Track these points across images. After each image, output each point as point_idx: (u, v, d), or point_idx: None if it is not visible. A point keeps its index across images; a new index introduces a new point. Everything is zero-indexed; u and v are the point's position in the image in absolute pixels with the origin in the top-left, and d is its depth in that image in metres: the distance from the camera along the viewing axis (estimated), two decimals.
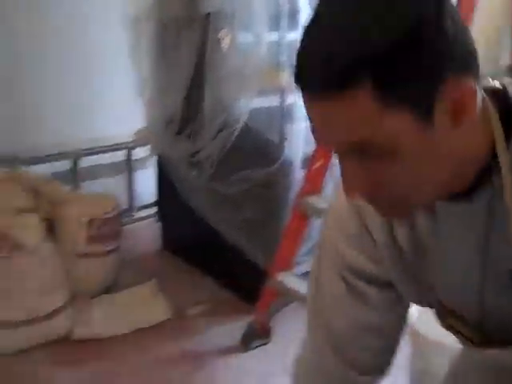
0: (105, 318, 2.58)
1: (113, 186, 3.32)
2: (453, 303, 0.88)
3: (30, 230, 2.48)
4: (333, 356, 1.02)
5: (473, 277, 0.82)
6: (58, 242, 2.65)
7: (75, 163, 3.27)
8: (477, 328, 0.86)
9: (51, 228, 2.69)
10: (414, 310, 2.41)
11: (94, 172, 3.39)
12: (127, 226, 3.20)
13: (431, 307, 0.93)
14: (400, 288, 0.92)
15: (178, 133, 2.84)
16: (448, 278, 0.85)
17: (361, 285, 0.94)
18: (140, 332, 2.56)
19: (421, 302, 0.95)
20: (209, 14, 2.62)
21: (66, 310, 2.53)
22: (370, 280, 0.94)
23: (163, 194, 3.18)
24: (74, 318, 2.54)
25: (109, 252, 2.76)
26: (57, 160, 3.23)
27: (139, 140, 3.07)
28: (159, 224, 3.24)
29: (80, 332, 2.51)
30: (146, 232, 3.36)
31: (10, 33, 3.01)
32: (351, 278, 0.95)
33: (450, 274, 0.85)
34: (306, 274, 2.52)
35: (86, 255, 2.69)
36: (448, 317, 0.89)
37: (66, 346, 2.48)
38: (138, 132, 3.04)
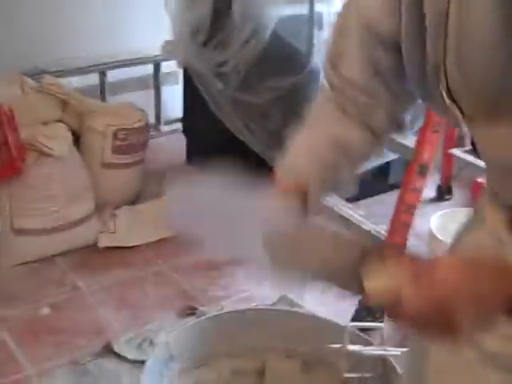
0: (129, 228, 2.61)
1: (140, 100, 3.30)
2: (464, 84, 0.77)
3: (57, 139, 2.49)
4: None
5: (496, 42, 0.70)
6: (84, 152, 2.67)
7: (103, 76, 3.25)
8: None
9: (78, 139, 2.71)
10: (433, 218, 2.38)
11: (122, 86, 3.37)
12: (153, 140, 3.20)
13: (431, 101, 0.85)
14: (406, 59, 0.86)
15: (205, 44, 2.79)
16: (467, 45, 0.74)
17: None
18: (163, 242, 2.59)
19: (423, 88, 0.85)
20: None
21: (92, 219, 2.56)
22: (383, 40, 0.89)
23: (189, 109, 3.15)
24: (100, 227, 2.58)
25: (134, 163, 2.77)
26: (84, 73, 3.22)
27: (166, 52, 3.02)
28: (185, 138, 3.22)
29: (105, 240, 2.55)
30: (171, 146, 3.35)
31: None
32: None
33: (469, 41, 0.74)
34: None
35: (111, 165, 2.70)
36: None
37: (92, 254, 2.53)
38: (165, 44, 2.99)
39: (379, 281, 0.70)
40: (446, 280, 0.69)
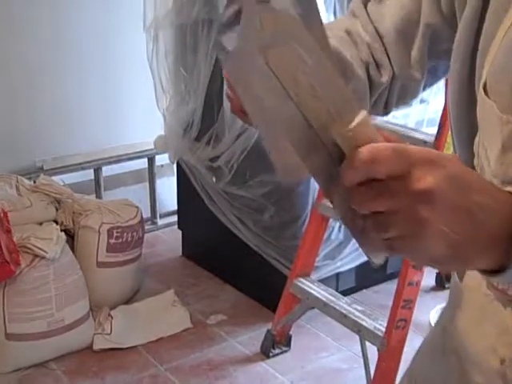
0: (125, 329, 2.56)
1: (136, 193, 3.32)
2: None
3: (51, 240, 2.48)
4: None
5: None
6: (79, 252, 2.66)
7: (97, 172, 3.28)
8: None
9: (72, 238, 2.70)
10: (433, 313, 2.35)
11: (117, 180, 3.39)
12: (149, 234, 3.19)
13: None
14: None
15: (197, 138, 2.82)
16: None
17: None
18: (160, 342, 2.54)
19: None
20: None
21: (87, 321, 2.52)
22: None
23: (184, 202, 3.16)
24: (95, 329, 2.53)
25: (130, 260, 2.74)
26: (79, 170, 3.25)
27: (159, 147, 3.05)
28: (180, 231, 3.22)
29: (100, 343, 2.50)
30: (167, 240, 3.34)
31: (33, 44, 3.04)
32: None
33: None
34: (324, 280, 2.48)
35: (106, 264, 2.67)
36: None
37: (87, 357, 2.47)
38: (158, 139, 3.03)
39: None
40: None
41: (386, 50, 0.92)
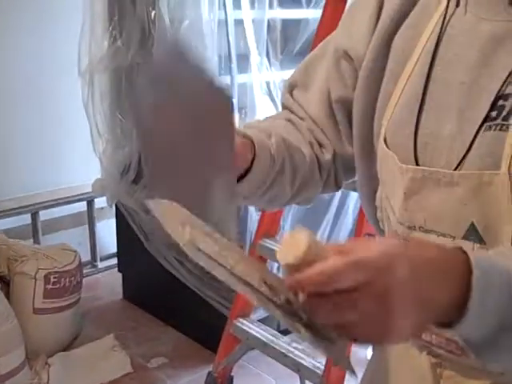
0: (63, 377, 2.50)
1: (75, 237, 3.28)
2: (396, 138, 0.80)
3: None
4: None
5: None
6: (14, 299, 2.60)
7: (35, 216, 3.23)
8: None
9: (8, 285, 2.64)
10: None
11: (56, 224, 3.35)
12: (90, 277, 3.15)
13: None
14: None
15: (135, 181, 2.81)
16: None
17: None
18: None
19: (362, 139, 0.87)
20: None
21: (23, 371, 2.45)
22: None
23: (123, 244, 3.14)
24: (31, 378, 2.47)
25: (68, 306, 2.70)
26: (15, 215, 3.19)
27: (96, 190, 3.03)
28: (120, 274, 3.18)
29: None
30: (108, 283, 3.30)
31: None
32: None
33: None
34: (264, 320, 2.48)
35: (43, 311, 2.62)
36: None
37: None
38: (95, 183, 3.01)
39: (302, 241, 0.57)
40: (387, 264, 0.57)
41: (322, 130, 0.97)
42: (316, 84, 0.96)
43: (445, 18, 0.80)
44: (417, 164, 0.77)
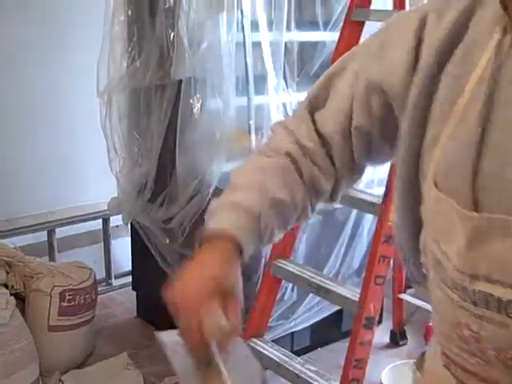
0: None
1: (90, 254, 3.30)
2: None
3: (0, 305, 2.45)
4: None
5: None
6: (29, 316, 2.62)
7: (50, 234, 3.25)
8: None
9: (23, 302, 2.66)
10: (384, 372, 2.35)
11: (71, 242, 3.37)
12: (104, 295, 3.17)
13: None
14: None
15: (151, 200, 2.84)
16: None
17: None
18: None
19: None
20: (180, 80, 2.65)
21: None
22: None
23: (138, 262, 3.15)
24: None
25: (82, 323, 2.71)
26: (32, 232, 3.22)
27: (113, 209, 3.06)
28: (135, 292, 3.20)
29: None
30: (122, 301, 3.31)
31: None
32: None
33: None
34: (277, 340, 2.48)
35: (57, 328, 2.63)
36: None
37: None
38: (112, 201, 3.03)
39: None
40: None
41: (328, 153, 0.96)
42: (335, 102, 0.94)
43: (499, 54, 0.74)
44: (476, 208, 0.73)
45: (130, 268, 3.30)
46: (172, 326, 3.20)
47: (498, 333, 0.73)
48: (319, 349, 2.83)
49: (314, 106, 0.98)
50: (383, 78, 0.87)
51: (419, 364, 0.94)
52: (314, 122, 0.97)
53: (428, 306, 2.28)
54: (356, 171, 0.99)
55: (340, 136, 0.94)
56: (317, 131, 0.96)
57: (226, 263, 0.87)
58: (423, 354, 0.95)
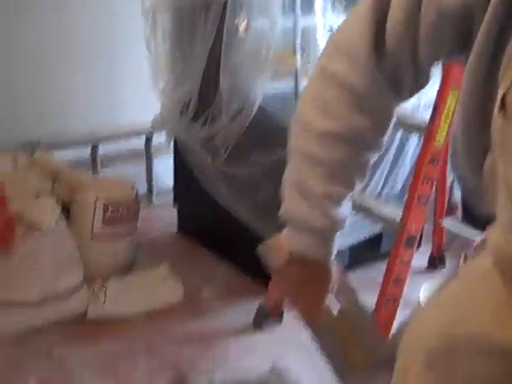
0: (118, 299, 2.60)
1: (132, 171, 3.36)
2: None
3: (46, 212, 2.53)
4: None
5: None
6: (74, 224, 2.70)
7: (94, 150, 3.31)
8: None
9: (68, 212, 2.74)
10: (423, 287, 2.36)
11: (114, 158, 3.43)
12: (145, 211, 3.23)
13: None
14: None
15: (194, 118, 2.86)
16: None
17: None
18: (153, 313, 2.59)
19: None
20: (226, 0, 2.64)
21: (81, 291, 2.56)
22: None
23: (180, 180, 3.20)
24: (89, 299, 2.58)
25: (124, 234, 2.79)
26: (77, 146, 3.29)
27: (156, 126, 3.09)
28: (176, 209, 3.26)
29: (94, 312, 2.55)
30: (162, 217, 3.39)
31: (34, 27, 3.10)
32: None
33: None
34: None
35: (101, 237, 2.72)
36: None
37: (80, 326, 2.51)
38: (155, 118, 3.07)
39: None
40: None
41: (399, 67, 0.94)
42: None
43: None
44: None
45: (171, 186, 3.36)
46: (211, 243, 3.27)
47: None
48: (358, 269, 2.87)
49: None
50: None
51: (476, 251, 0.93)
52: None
53: (469, 233, 2.30)
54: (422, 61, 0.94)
55: (407, 21, 0.89)
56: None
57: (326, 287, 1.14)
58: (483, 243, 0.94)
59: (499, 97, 0.73)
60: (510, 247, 0.74)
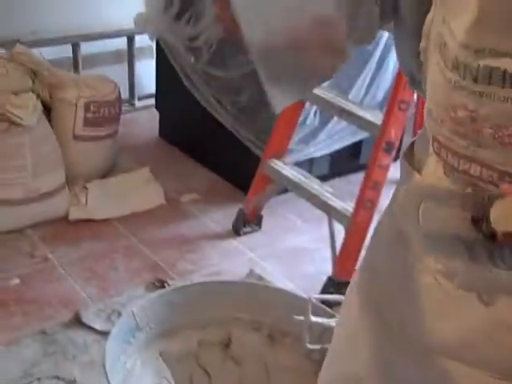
0: (100, 201, 2.61)
1: (114, 74, 3.27)
2: None
3: (27, 108, 2.48)
4: None
5: None
6: (55, 124, 2.66)
7: (75, 48, 3.23)
8: None
9: (49, 110, 2.70)
10: None
11: (95, 59, 3.35)
12: (127, 115, 3.20)
13: None
14: None
15: (178, 17, 2.78)
16: None
17: None
18: (134, 216, 2.61)
19: None
20: None
21: (63, 192, 2.56)
22: None
23: (162, 84, 3.15)
24: (70, 200, 2.58)
25: (106, 136, 2.76)
26: (57, 44, 3.20)
27: (138, 25, 3.00)
28: (157, 113, 3.23)
29: (76, 213, 2.56)
30: (144, 121, 3.36)
31: None
32: None
33: None
34: (298, 165, 2.53)
35: (82, 138, 2.69)
36: None
37: (63, 226, 2.53)
38: (137, 17, 2.97)
39: None
40: None
41: None
42: None
43: None
44: None
45: (153, 91, 3.31)
46: (192, 148, 3.28)
47: (499, 108, 0.72)
48: (337, 178, 2.89)
49: None
50: None
51: (409, 154, 0.94)
52: None
53: None
54: None
55: None
56: None
57: None
58: (412, 145, 0.95)
59: None
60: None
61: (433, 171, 0.80)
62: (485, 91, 0.72)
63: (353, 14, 0.81)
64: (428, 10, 0.80)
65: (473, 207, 0.73)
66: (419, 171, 0.86)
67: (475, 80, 0.72)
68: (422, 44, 0.81)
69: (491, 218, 0.68)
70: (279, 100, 0.78)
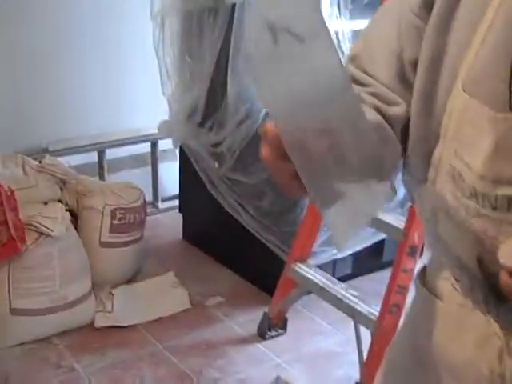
0: (126, 307, 2.63)
1: (138, 177, 3.37)
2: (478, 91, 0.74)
3: (55, 219, 2.54)
4: None
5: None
6: (82, 232, 2.72)
7: (101, 155, 3.33)
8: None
9: (76, 218, 2.76)
10: None
11: (120, 163, 3.45)
12: (150, 217, 3.26)
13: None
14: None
15: (201, 124, 2.88)
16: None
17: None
18: (160, 321, 2.61)
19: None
20: (234, 4, 2.64)
21: (89, 298, 2.59)
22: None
23: (185, 186, 3.22)
24: (96, 307, 2.60)
25: (131, 241, 2.81)
26: (84, 152, 3.30)
27: (163, 132, 3.11)
28: (181, 215, 3.28)
29: (101, 320, 2.57)
30: (168, 223, 3.41)
31: (38, 28, 3.10)
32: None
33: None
34: (321, 266, 2.54)
35: (109, 244, 2.74)
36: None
37: (89, 334, 2.54)
38: (162, 124, 3.08)
39: None
40: None
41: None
42: (384, 46, 0.88)
43: None
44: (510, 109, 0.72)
45: (176, 192, 3.37)
46: (216, 250, 3.29)
47: None
48: (360, 277, 2.89)
49: (360, 60, 0.91)
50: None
51: (422, 277, 0.96)
52: (365, 73, 0.89)
53: None
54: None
55: (396, 78, 0.87)
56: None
57: None
58: (425, 269, 0.97)
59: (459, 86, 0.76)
60: None
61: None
62: (504, 218, 0.74)
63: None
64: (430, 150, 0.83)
65: None
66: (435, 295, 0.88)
67: (494, 208, 0.74)
68: (431, 174, 0.83)
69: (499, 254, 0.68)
70: (341, 234, 0.76)
